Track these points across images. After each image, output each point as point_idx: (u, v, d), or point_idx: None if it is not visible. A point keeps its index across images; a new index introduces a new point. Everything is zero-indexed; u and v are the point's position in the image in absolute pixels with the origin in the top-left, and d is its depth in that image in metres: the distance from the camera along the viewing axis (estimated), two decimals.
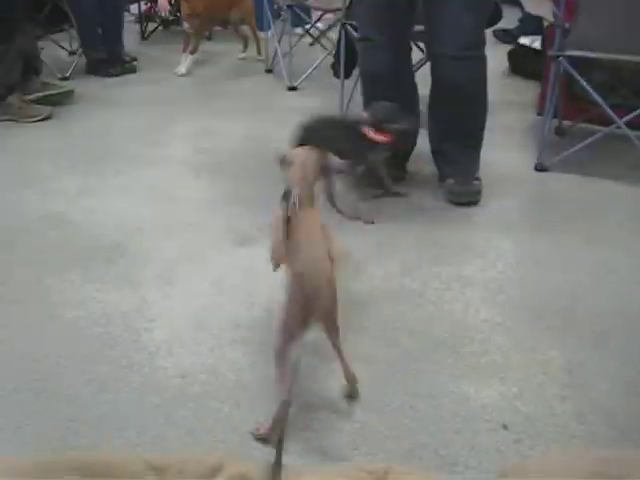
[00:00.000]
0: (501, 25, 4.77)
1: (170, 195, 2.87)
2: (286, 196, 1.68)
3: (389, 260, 2.36)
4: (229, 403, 1.69)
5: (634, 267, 2.33)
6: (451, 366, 1.82)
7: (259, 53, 5.20)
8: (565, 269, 2.31)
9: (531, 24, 4.76)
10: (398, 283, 2.22)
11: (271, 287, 2.19)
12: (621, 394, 1.74)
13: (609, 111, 2.97)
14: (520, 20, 5.20)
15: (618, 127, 2.97)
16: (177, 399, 1.71)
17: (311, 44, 5.03)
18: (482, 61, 2.74)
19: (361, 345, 1.91)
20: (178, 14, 5.82)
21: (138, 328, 1.97)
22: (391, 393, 1.73)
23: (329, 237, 1.69)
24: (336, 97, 3.80)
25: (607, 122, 3.03)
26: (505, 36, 5.50)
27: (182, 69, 4.80)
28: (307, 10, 4.92)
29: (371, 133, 2.61)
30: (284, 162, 1.80)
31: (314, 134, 2.63)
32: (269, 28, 4.89)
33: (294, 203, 1.64)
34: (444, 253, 2.41)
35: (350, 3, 3.67)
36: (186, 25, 4.77)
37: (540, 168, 3.11)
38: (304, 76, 4.43)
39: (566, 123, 3.58)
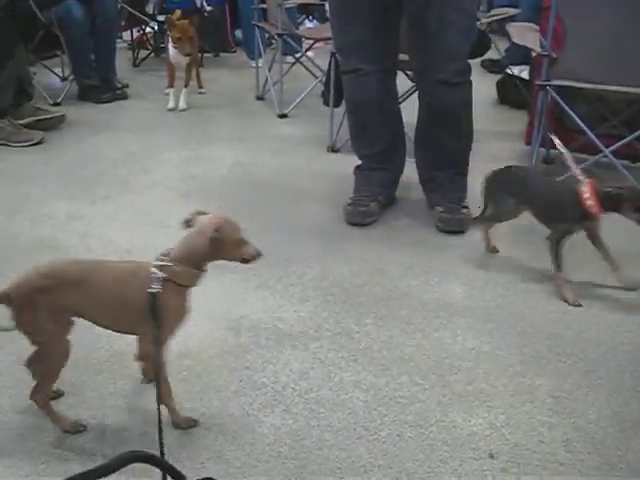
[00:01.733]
0: (489, 55, 4.84)
1: (159, 221, 2.87)
2: None
3: (377, 286, 2.37)
4: (214, 430, 1.69)
5: (620, 296, 2.34)
6: (439, 394, 1.82)
7: (200, 87, 5.13)
8: (552, 296, 2.32)
9: (518, 54, 4.79)
10: (386, 310, 2.22)
11: (258, 312, 2.20)
12: (609, 422, 1.74)
13: (596, 140, 3.00)
14: (507, 50, 5.26)
15: (605, 156, 3.00)
16: (163, 426, 1.69)
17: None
18: (471, 86, 2.82)
19: (350, 372, 1.91)
20: (163, 44, 5.77)
21: (124, 351, 1.96)
22: (379, 421, 1.72)
23: None
24: (326, 125, 3.83)
25: (595, 151, 3.05)
26: (493, 66, 5.56)
27: (182, 104, 4.64)
28: (298, 39, 4.96)
29: (590, 200, 2.25)
30: None
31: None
32: (260, 56, 4.92)
33: None
34: (432, 280, 2.42)
35: None
36: (172, 54, 4.68)
37: None
38: (294, 104, 4.45)
39: (554, 152, 3.61)
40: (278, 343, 2.04)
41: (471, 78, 2.80)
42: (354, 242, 2.71)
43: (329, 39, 3.94)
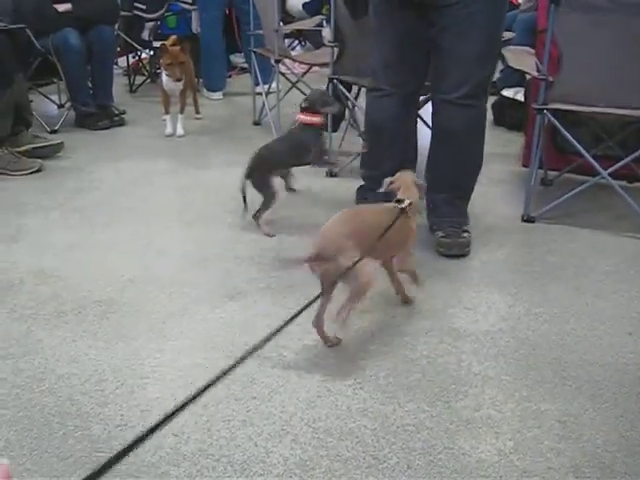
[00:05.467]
0: None
1: (161, 249, 2.88)
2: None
3: (379, 312, 2.37)
4: (223, 462, 1.68)
5: (623, 317, 2.35)
6: (446, 421, 1.82)
7: (197, 112, 5.21)
8: (555, 319, 2.33)
9: (513, 76, 4.84)
10: (389, 336, 2.22)
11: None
12: (617, 447, 1.73)
13: (593, 162, 3.03)
14: (501, 72, 5.30)
15: (603, 178, 3.02)
16: (171, 457, 1.69)
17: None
18: (480, 111, 2.84)
19: (356, 400, 1.90)
20: (158, 70, 5.81)
21: (131, 385, 1.96)
22: (387, 449, 1.72)
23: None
24: None
25: (592, 172, 3.08)
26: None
27: (180, 130, 4.70)
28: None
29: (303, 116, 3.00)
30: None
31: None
32: (260, 84, 4.91)
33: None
34: (435, 306, 2.42)
35: (338, 58, 3.74)
36: (165, 81, 4.69)
37: (527, 219, 3.14)
38: None
39: (552, 173, 3.63)
40: (284, 371, 2.04)
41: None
42: None
43: (325, 64, 3.98)
